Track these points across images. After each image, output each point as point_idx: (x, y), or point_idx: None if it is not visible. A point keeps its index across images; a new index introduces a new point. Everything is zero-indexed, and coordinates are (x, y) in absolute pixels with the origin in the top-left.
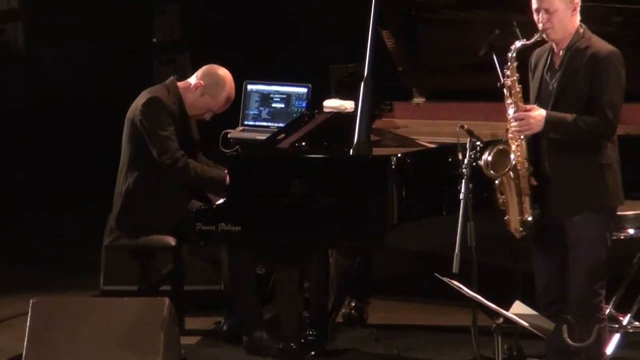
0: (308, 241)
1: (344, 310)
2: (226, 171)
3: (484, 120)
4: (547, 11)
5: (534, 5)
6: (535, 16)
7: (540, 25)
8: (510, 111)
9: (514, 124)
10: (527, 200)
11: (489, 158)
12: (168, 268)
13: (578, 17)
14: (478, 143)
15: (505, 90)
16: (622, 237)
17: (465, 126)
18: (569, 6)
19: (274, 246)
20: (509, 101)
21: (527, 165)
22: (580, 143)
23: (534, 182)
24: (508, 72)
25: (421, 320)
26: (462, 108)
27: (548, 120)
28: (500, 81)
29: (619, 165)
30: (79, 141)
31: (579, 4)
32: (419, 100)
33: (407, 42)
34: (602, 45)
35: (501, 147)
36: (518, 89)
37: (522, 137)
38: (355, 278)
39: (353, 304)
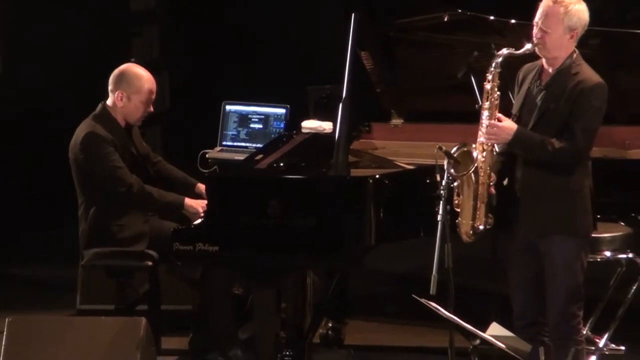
0: (285, 262)
1: (320, 331)
2: (185, 197)
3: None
4: (542, 30)
5: (535, 20)
6: (534, 30)
7: (533, 39)
8: (484, 116)
9: (483, 130)
10: (482, 208)
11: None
12: (145, 288)
13: (574, 44)
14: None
15: (482, 94)
16: (598, 260)
17: (443, 147)
18: (567, 32)
19: (251, 266)
20: (485, 104)
21: (489, 173)
22: (551, 167)
23: (493, 191)
24: (490, 77)
25: (398, 342)
26: (440, 129)
27: (516, 135)
28: (478, 103)
29: (590, 192)
30: (55, 160)
31: (578, 33)
32: (397, 121)
33: (385, 63)
34: (590, 74)
35: (466, 149)
36: (496, 96)
37: (490, 144)
38: (333, 299)
39: (330, 325)
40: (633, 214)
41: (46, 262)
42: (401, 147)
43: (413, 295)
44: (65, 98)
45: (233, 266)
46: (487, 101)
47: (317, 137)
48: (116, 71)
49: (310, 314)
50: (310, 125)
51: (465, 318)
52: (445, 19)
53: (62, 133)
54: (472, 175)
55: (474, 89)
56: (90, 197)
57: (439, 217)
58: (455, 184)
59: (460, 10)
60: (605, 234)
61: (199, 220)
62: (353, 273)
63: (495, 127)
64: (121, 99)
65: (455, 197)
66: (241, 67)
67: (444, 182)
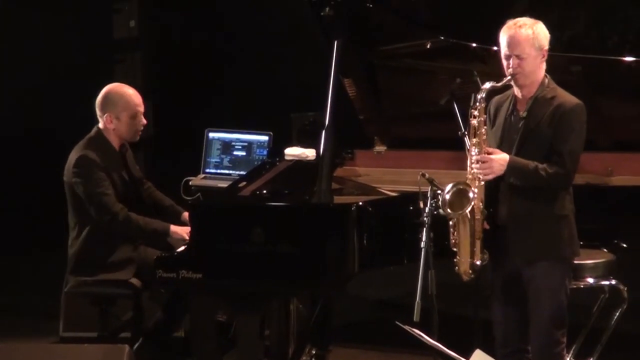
0: (269, 289)
1: (304, 358)
2: (170, 224)
3: (445, 169)
4: (518, 57)
5: (505, 52)
6: (504, 62)
7: (509, 70)
8: (474, 152)
9: (475, 165)
10: (478, 244)
11: (447, 197)
12: (128, 315)
13: (544, 66)
14: (439, 192)
15: (470, 131)
16: (581, 286)
17: (427, 174)
18: (539, 53)
19: (235, 293)
20: (473, 141)
21: (482, 208)
22: (539, 192)
23: (487, 226)
24: (475, 112)
25: None
26: (423, 156)
27: (510, 165)
28: (461, 130)
29: (574, 216)
30: (36, 186)
31: (547, 52)
32: (380, 148)
33: (368, 90)
34: (568, 97)
35: (461, 187)
36: (484, 130)
37: (482, 180)
38: (316, 325)
39: (314, 352)
40: (615, 241)
41: (29, 289)
42: (384, 174)
43: (397, 322)
44: (46, 125)
45: (217, 293)
46: (474, 137)
47: (300, 164)
48: (100, 96)
49: (294, 341)
50: (293, 152)
51: (449, 345)
52: (428, 46)
53: (44, 159)
54: (468, 213)
55: (457, 115)
56: (83, 219)
57: (422, 244)
58: (451, 222)
59: (442, 37)
60: (588, 260)
61: (182, 248)
62: (337, 300)
63: (488, 161)
64: (111, 121)
65: (451, 237)
66: (224, 95)
67: (427, 209)
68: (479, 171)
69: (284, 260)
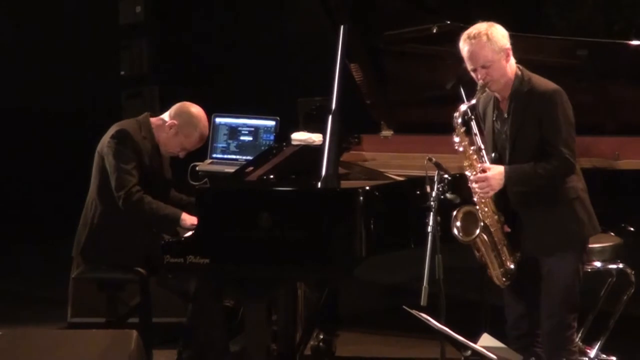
0: (276, 274)
1: (312, 343)
2: (182, 212)
3: (452, 153)
4: (483, 67)
5: (470, 67)
6: (473, 75)
7: (480, 82)
8: (469, 174)
9: (475, 186)
10: (505, 250)
11: (458, 224)
12: (136, 300)
13: (513, 61)
14: (446, 176)
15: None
16: (589, 270)
17: (433, 159)
18: (502, 55)
19: (242, 278)
20: (465, 164)
21: (497, 218)
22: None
23: (508, 229)
24: (457, 139)
25: (389, 353)
26: (430, 141)
27: (507, 176)
28: (468, 114)
29: (586, 194)
30: (44, 175)
31: (511, 50)
32: (387, 133)
33: (375, 75)
34: (543, 85)
35: (467, 209)
36: (471, 152)
37: (484, 198)
38: (324, 310)
39: (321, 337)
40: (623, 224)
41: (37, 274)
42: (391, 159)
43: (404, 307)
44: (53, 110)
45: (224, 278)
46: (465, 160)
47: (307, 149)
48: (186, 105)
49: (302, 326)
50: (300, 137)
51: (456, 329)
52: (434, 31)
53: (52, 144)
54: (483, 233)
55: (464, 100)
56: (102, 194)
57: (429, 229)
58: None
59: (448, 22)
60: (596, 244)
61: (189, 233)
62: (344, 284)
63: (484, 180)
64: (170, 128)
65: (475, 253)
66: (231, 80)
67: (434, 194)
68: (479, 192)
69: (291, 245)
